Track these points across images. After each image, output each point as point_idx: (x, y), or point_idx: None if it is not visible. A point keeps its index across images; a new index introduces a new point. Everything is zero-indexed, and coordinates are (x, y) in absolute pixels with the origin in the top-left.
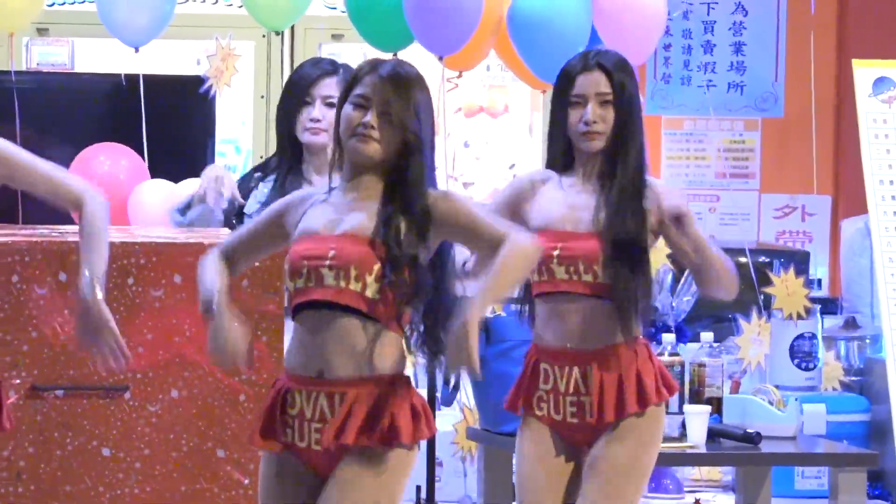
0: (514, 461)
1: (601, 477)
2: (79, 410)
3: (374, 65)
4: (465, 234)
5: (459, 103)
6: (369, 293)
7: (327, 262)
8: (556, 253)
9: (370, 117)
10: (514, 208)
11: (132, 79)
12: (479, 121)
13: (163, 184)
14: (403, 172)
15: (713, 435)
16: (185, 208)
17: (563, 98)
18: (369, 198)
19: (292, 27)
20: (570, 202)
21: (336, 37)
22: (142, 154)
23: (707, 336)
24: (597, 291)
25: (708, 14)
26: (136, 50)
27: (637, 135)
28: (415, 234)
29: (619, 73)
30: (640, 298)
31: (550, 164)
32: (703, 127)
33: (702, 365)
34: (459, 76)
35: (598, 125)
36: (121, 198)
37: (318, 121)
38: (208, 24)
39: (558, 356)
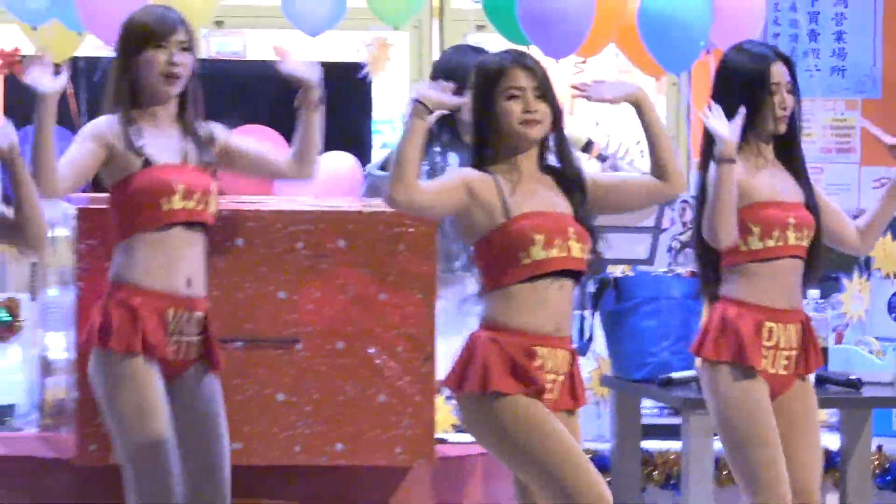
0: (727, 413)
1: (812, 425)
2: (255, 360)
3: (513, 57)
4: (617, 191)
5: None
6: (585, 258)
7: (570, 234)
8: (791, 221)
9: (531, 104)
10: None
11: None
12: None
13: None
14: (557, 146)
15: (820, 381)
16: (384, 165)
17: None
18: (540, 177)
19: (441, 20)
20: (776, 177)
21: (480, 27)
22: None
23: (814, 293)
24: (804, 255)
25: (812, 6)
26: (314, 36)
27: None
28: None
29: None
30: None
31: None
32: (809, 107)
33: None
34: (584, 62)
35: (789, 110)
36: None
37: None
38: (365, 16)
39: (782, 315)
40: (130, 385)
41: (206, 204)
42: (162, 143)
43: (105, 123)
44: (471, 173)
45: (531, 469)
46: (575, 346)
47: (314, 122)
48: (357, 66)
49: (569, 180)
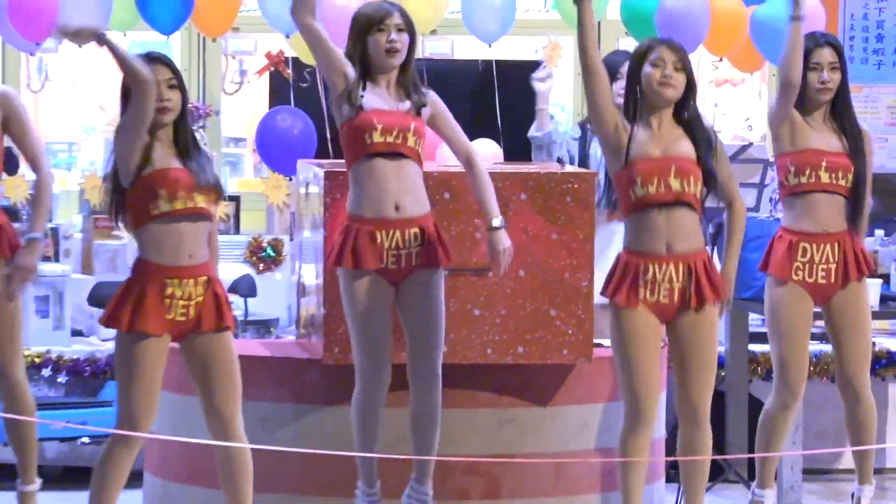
0: (771, 313)
1: (859, 325)
2: (458, 285)
3: (656, 40)
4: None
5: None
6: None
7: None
8: (823, 163)
9: (669, 70)
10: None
11: (488, 64)
12: (725, 89)
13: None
14: (689, 109)
15: (884, 299)
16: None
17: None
18: (674, 130)
19: (599, 27)
20: (822, 133)
21: (628, 33)
22: (496, 117)
23: (879, 232)
24: (843, 192)
25: (879, 15)
26: (489, 45)
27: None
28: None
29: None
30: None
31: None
32: (876, 92)
33: (876, 251)
34: (721, 60)
35: (829, 84)
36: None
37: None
38: (542, 25)
39: (814, 238)
40: (358, 294)
41: (404, 139)
42: (377, 98)
43: None
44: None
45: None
46: None
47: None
48: (535, 64)
49: (694, 133)
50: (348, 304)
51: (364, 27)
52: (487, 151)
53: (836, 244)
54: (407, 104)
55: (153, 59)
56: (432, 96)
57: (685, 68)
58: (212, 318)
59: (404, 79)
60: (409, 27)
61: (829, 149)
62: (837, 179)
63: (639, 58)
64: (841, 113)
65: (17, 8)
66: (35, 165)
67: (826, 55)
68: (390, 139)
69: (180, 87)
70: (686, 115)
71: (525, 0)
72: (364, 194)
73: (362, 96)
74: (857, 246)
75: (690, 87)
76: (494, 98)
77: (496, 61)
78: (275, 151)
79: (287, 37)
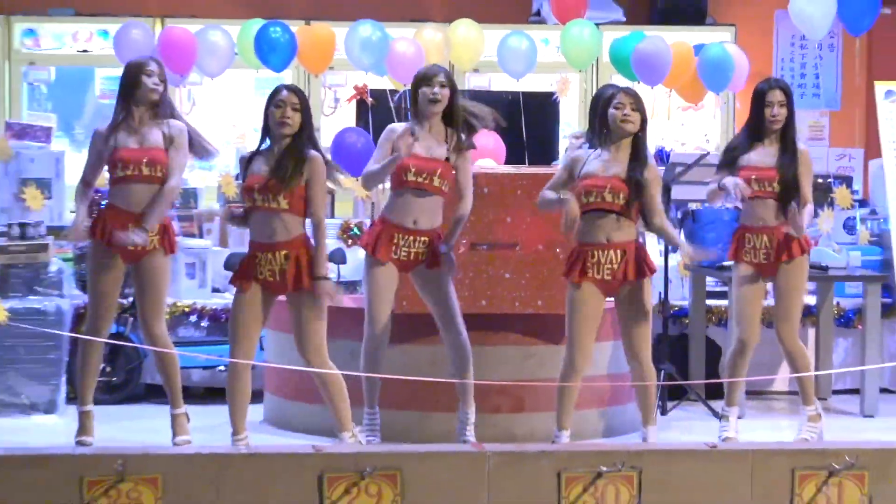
0: (732, 288)
1: (787, 293)
2: (494, 256)
3: (619, 88)
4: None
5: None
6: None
7: (607, 187)
8: (753, 177)
9: (628, 110)
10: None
11: (514, 94)
12: (689, 112)
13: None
14: (638, 140)
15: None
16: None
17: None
18: (621, 156)
19: (596, 66)
20: (765, 154)
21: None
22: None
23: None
24: (772, 196)
25: (802, 59)
26: (517, 79)
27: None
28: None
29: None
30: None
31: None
32: (801, 115)
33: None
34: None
35: (778, 117)
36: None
37: None
38: (555, 64)
39: (755, 230)
40: (371, 278)
41: (431, 179)
42: (418, 144)
43: (397, 129)
44: (573, 154)
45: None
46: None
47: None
48: (550, 94)
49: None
50: (365, 280)
51: (418, 82)
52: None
53: (771, 235)
54: (441, 150)
55: (289, 88)
56: (464, 154)
57: (639, 109)
58: (296, 280)
59: (449, 125)
60: (451, 84)
61: (767, 165)
62: (766, 188)
63: (604, 103)
64: (785, 138)
65: (164, 48)
66: (168, 176)
67: (777, 95)
68: (420, 179)
69: (303, 111)
70: (637, 145)
71: (542, 46)
72: (393, 207)
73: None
74: (784, 235)
75: (643, 122)
76: (521, 118)
77: (522, 93)
78: (344, 159)
79: (366, 73)
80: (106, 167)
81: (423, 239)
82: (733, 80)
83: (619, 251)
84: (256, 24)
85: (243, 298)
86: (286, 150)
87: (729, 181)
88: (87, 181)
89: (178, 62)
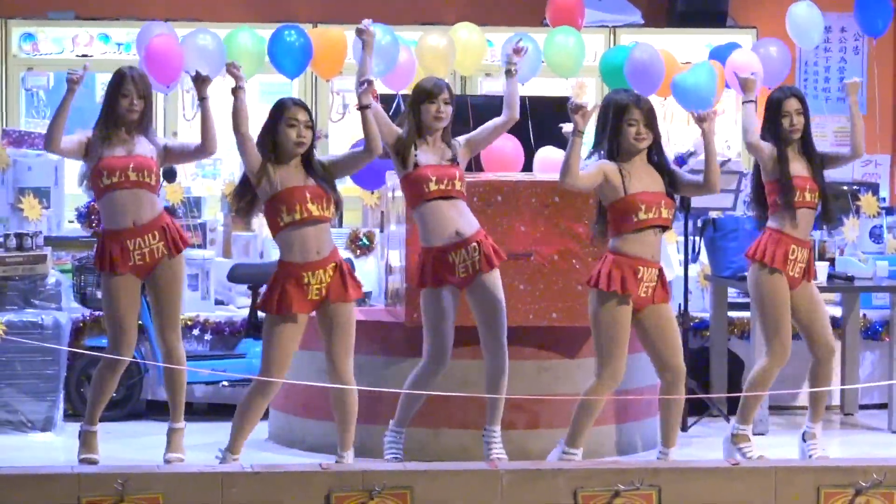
0: (763, 294)
1: (819, 305)
2: (507, 265)
3: (631, 99)
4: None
5: None
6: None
7: (662, 203)
8: (807, 186)
9: (641, 127)
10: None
11: (523, 99)
12: None
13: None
14: (657, 152)
15: (830, 277)
16: None
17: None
18: (647, 170)
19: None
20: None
21: None
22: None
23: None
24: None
25: (826, 62)
26: (522, 84)
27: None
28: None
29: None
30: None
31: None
32: (825, 120)
33: (824, 241)
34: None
35: (797, 125)
36: (516, 164)
37: None
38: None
39: (799, 242)
40: (435, 307)
41: (454, 185)
42: (428, 155)
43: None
44: (606, 164)
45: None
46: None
47: None
48: (567, 98)
49: (663, 172)
50: (426, 313)
51: (420, 97)
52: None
53: (808, 250)
54: (448, 155)
55: (297, 103)
56: (456, 141)
57: (652, 125)
58: (344, 288)
59: (445, 135)
60: (453, 101)
61: (804, 174)
62: (815, 199)
63: (616, 113)
64: (808, 147)
65: (149, 60)
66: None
67: (793, 104)
68: (441, 186)
69: (313, 128)
70: (655, 158)
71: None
72: (429, 228)
73: (416, 155)
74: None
75: (656, 137)
76: (528, 123)
77: (531, 97)
78: (360, 172)
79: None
80: (89, 182)
81: (473, 245)
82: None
83: (656, 270)
84: (243, 30)
85: (290, 325)
86: (310, 163)
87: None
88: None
89: (163, 71)
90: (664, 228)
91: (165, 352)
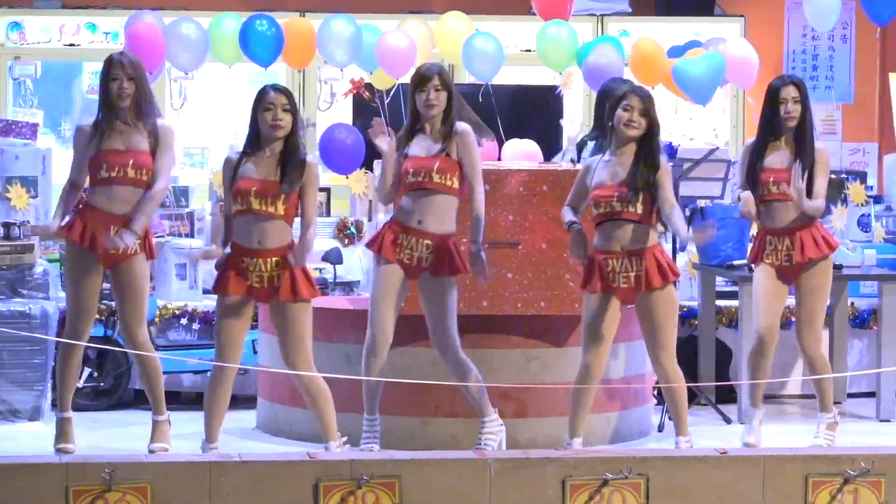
0: (754, 287)
1: (810, 293)
2: (496, 254)
3: (631, 87)
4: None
5: None
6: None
7: (615, 196)
8: (771, 179)
9: (635, 115)
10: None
11: (516, 89)
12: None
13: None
14: (649, 143)
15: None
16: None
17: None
18: (626, 160)
19: None
20: (781, 155)
21: None
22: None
23: None
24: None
25: (814, 50)
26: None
27: None
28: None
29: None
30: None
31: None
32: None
33: None
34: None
35: (793, 113)
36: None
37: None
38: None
39: (776, 232)
40: (374, 277)
41: (430, 178)
42: (417, 146)
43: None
44: (582, 167)
45: None
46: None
47: None
48: (553, 88)
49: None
50: (372, 283)
51: (413, 85)
52: (530, 149)
53: (791, 238)
54: (437, 146)
55: (276, 88)
56: (467, 144)
57: (648, 113)
58: (292, 289)
59: (444, 125)
60: (446, 86)
61: (783, 167)
62: (786, 191)
63: (614, 101)
64: (801, 137)
65: (131, 47)
66: (155, 178)
67: (790, 91)
68: (418, 178)
69: (293, 111)
70: (647, 148)
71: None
72: (401, 210)
73: (409, 145)
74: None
75: (651, 125)
76: (521, 111)
77: (497, 85)
78: (333, 156)
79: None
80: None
81: (426, 242)
82: (742, 77)
83: (631, 259)
84: (229, 17)
85: (229, 303)
86: (285, 155)
87: (742, 204)
88: (74, 182)
89: (145, 58)
90: (635, 223)
91: (133, 348)
